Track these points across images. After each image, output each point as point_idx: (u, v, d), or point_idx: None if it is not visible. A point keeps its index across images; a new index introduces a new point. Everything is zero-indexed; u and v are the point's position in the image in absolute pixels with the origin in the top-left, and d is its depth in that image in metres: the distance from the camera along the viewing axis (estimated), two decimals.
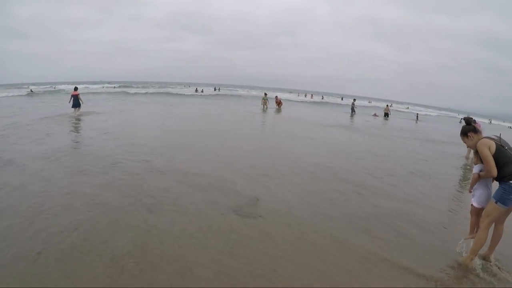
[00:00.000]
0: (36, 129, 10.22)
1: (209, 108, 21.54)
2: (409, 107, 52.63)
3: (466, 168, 8.24)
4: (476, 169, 3.56)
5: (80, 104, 14.74)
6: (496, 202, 3.22)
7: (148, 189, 4.90)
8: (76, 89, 15.49)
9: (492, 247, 3.54)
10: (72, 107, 14.62)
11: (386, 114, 27.06)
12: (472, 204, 3.64)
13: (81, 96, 15.18)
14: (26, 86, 37.01)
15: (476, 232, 3.63)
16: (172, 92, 37.56)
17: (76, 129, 10.23)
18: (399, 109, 45.52)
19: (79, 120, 12.94)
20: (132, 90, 37.13)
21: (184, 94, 36.41)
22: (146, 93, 35.54)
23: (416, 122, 28.03)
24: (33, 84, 50.68)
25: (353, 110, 27.87)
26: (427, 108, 70.49)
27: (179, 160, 6.77)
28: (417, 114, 33.22)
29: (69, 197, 4.39)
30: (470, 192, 3.62)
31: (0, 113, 14.39)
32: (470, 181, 3.79)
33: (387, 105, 29.00)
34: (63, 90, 32.84)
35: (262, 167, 6.56)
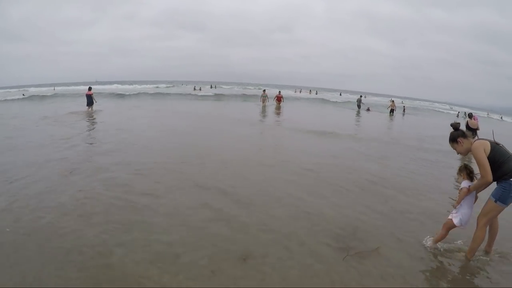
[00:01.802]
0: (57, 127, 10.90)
1: (215, 110, 21.56)
2: (403, 101, 52.60)
3: None
4: (464, 184, 3.47)
5: (93, 102, 16.67)
6: (495, 201, 3.16)
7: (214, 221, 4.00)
8: (90, 89, 17.22)
9: (490, 243, 3.57)
10: (87, 105, 16.50)
11: (392, 111, 26.77)
12: (451, 220, 3.55)
13: (94, 96, 17.05)
14: (22, 89, 36.60)
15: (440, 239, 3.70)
16: (170, 93, 37.44)
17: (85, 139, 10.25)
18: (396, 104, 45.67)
19: (92, 117, 14.30)
20: (129, 91, 36.98)
21: (183, 94, 36.28)
22: (145, 93, 35.38)
23: (403, 116, 28.20)
24: (30, 86, 50.27)
25: (359, 106, 27.97)
26: (425, 102, 70.52)
27: (212, 172, 6.26)
28: (404, 106, 32.92)
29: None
30: (455, 207, 3.52)
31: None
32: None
33: (392, 101, 28.69)
34: (57, 94, 32.37)
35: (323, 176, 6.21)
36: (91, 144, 8.82)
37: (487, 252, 3.60)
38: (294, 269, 3.12)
